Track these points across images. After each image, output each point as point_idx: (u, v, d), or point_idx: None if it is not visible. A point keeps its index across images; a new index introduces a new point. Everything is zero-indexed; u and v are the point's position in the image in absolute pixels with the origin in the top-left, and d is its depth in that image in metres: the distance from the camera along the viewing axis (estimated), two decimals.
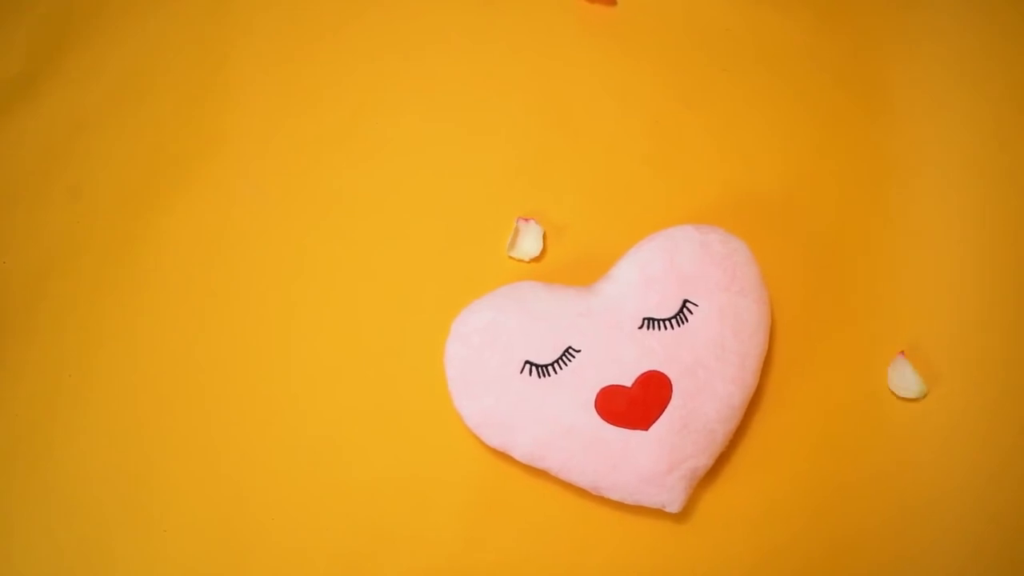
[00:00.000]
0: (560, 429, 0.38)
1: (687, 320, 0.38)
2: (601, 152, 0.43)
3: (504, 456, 0.39)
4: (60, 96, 0.46)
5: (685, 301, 0.38)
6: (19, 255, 0.44)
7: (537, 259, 0.42)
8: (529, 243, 0.42)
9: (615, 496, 0.38)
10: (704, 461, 0.38)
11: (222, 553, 0.41)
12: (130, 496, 0.41)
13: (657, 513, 0.39)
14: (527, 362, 0.38)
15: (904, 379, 0.40)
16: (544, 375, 0.38)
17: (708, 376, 0.38)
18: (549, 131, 0.43)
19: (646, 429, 0.37)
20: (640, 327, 0.38)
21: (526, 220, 0.42)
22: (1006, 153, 0.43)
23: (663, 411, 0.37)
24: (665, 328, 0.38)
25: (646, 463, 0.38)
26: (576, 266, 0.42)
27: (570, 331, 0.38)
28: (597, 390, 0.37)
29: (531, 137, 0.44)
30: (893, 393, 0.40)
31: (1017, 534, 0.39)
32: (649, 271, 0.38)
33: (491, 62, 0.44)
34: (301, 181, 0.44)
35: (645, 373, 0.37)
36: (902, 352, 0.40)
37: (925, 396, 0.40)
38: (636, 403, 0.37)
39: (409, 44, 0.45)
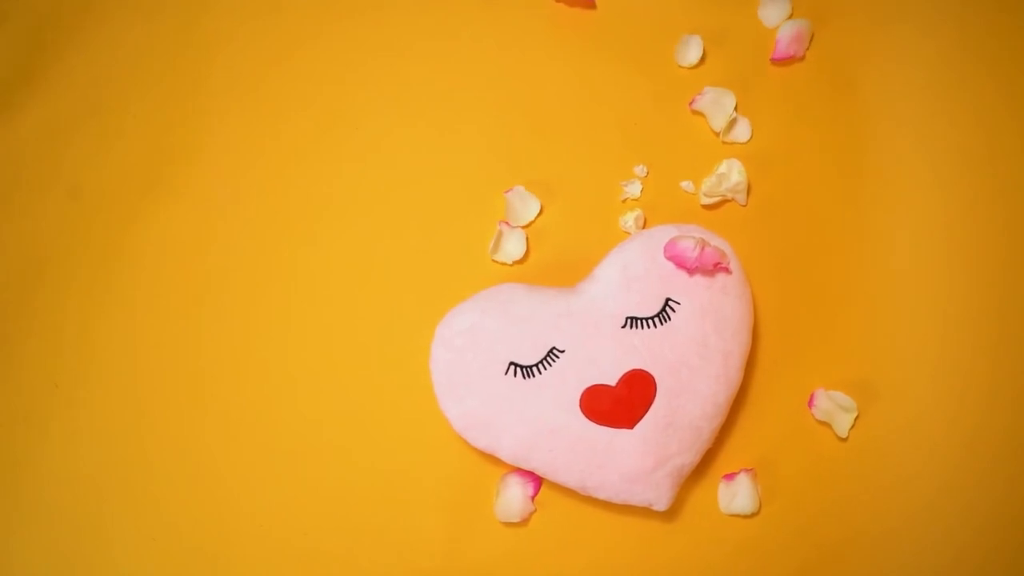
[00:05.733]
0: (545, 429, 0.38)
1: (670, 319, 0.38)
2: (583, 154, 0.43)
3: (491, 457, 0.39)
4: (43, 101, 0.46)
5: (668, 300, 0.38)
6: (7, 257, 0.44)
7: (520, 261, 0.42)
8: (512, 246, 0.42)
9: (602, 495, 0.38)
10: (690, 459, 0.38)
11: (207, 553, 0.41)
12: (119, 498, 0.42)
13: (645, 511, 0.39)
14: (511, 363, 0.38)
15: (736, 499, 0.40)
16: (529, 376, 0.38)
17: (691, 374, 0.38)
18: (531, 134, 0.44)
19: (631, 428, 0.38)
20: (623, 326, 0.38)
21: (508, 223, 0.43)
22: (987, 154, 0.43)
23: (647, 409, 0.38)
24: (648, 327, 0.38)
25: (632, 462, 0.38)
26: (559, 268, 0.42)
27: (553, 332, 0.38)
28: (582, 390, 0.38)
29: (513, 140, 0.44)
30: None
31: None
32: (631, 271, 0.38)
33: (474, 66, 0.44)
34: (286, 187, 0.44)
35: (629, 372, 0.38)
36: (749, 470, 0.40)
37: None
38: (621, 402, 0.37)
39: (391, 49, 0.45)
